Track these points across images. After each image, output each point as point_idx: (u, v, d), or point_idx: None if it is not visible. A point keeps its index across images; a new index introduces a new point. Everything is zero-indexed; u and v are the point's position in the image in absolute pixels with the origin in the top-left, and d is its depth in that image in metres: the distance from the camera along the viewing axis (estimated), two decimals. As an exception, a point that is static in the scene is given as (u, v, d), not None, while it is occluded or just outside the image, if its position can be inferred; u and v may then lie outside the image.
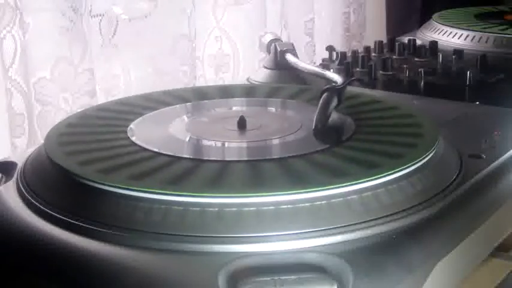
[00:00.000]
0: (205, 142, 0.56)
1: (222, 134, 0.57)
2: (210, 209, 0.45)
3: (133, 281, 0.41)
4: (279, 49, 0.80)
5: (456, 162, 0.55)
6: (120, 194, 0.47)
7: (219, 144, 0.56)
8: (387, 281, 0.42)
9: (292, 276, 0.40)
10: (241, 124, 0.58)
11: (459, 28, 1.00)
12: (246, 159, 0.53)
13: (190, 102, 0.66)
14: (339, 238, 0.44)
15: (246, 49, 1.09)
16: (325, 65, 0.88)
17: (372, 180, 0.47)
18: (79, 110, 0.73)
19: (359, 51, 0.91)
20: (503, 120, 0.67)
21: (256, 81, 0.80)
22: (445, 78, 0.84)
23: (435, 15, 1.09)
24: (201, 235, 0.44)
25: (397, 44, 0.94)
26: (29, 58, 0.82)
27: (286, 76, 0.79)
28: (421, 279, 0.44)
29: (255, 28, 1.09)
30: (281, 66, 0.80)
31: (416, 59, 0.90)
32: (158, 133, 0.57)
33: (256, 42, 0.87)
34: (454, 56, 0.88)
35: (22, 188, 0.52)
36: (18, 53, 0.80)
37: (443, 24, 1.03)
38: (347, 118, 0.60)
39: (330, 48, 0.92)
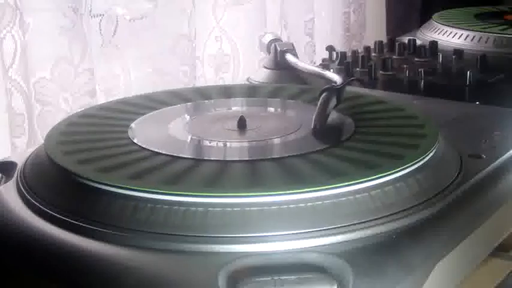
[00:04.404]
0: (206, 142, 0.56)
1: (222, 134, 0.57)
2: (210, 209, 0.45)
3: (133, 281, 0.41)
4: (279, 49, 0.80)
5: (456, 162, 0.55)
6: (121, 194, 0.47)
7: (219, 144, 0.56)
8: (387, 281, 0.42)
9: (292, 276, 0.40)
10: (241, 124, 0.58)
11: (459, 28, 1.00)
12: (246, 159, 0.53)
13: (190, 103, 0.66)
14: (339, 238, 0.44)
15: (246, 49, 1.09)
16: (325, 65, 0.88)
17: (372, 180, 0.47)
18: (79, 110, 0.73)
19: (359, 51, 0.91)
20: (503, 120, 0.67)
21: (256, 81, 0.80)
22: (445, 78, 0.84)
23: (435, 15, 1.08)
24: (201, 235, 0.44)
25: (397, 44, 0.94)
26: (29, 58, 0.82)
27: (286, 76, 0.79)
28: (421, 279, 0.44)
29: (255, 28, 1.09)
30: (281, 66, 0.80)
31: (416, 59, 0.90)
32: (158, 133, 0.57)
33: (256, 42, 0.87)
34: (454, 56, 0.88)
35: (22, 188, 0.51)
36: (18, 53, 0.80)
37: (443, 24, 1.02)
38: (347, 118, 0.60)
39: (330, 48, 0.92)
